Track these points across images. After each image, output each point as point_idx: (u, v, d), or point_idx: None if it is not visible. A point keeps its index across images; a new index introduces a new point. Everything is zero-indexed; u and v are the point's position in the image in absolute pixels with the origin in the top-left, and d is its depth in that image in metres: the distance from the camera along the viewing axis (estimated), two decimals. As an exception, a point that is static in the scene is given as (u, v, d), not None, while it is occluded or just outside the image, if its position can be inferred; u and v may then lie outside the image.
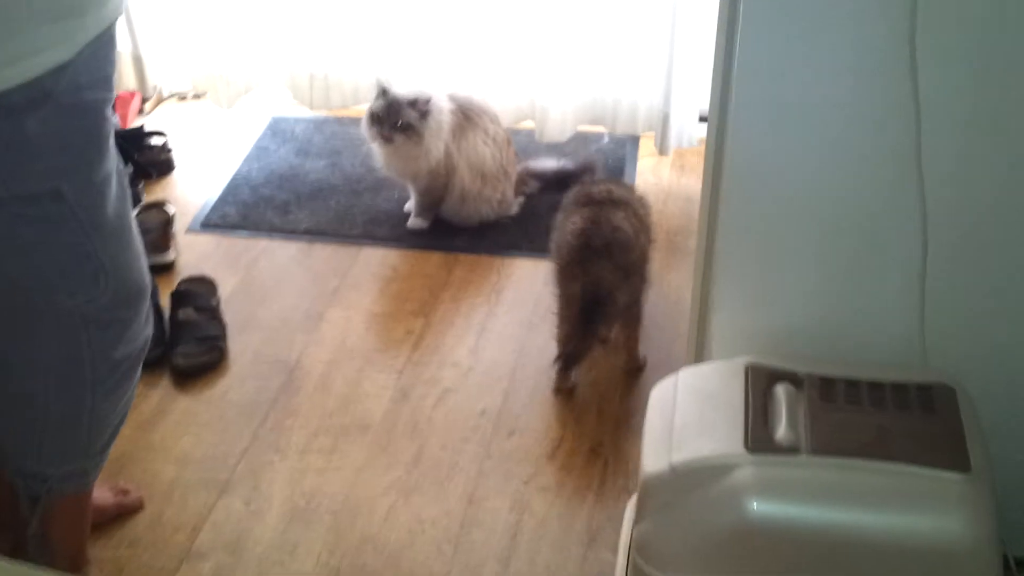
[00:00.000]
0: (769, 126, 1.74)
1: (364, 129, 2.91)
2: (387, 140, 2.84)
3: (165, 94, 3.66)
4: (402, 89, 2.85)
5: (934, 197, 1.70)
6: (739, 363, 1.79)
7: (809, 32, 1.64)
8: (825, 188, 1.75)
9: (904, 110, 1.65)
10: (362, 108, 3.41)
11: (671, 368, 2.41)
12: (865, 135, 1.70)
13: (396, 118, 2.82)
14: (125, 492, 2.18)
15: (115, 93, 1.68)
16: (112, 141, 1.68)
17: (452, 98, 2.96)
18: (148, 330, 1.85)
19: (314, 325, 2.66)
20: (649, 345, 2.58)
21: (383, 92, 2.84)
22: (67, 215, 1.63)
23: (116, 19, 1.62)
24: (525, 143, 3.28)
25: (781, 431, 1.64)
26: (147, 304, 1.83)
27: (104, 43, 1.59)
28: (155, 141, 3.32)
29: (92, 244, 1.67)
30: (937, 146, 1.67)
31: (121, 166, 1.74)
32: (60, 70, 1.52)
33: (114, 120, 2.94)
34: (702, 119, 3.17)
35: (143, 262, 1.81)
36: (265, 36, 3.34)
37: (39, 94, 1.53)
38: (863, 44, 1.64)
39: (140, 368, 1.87)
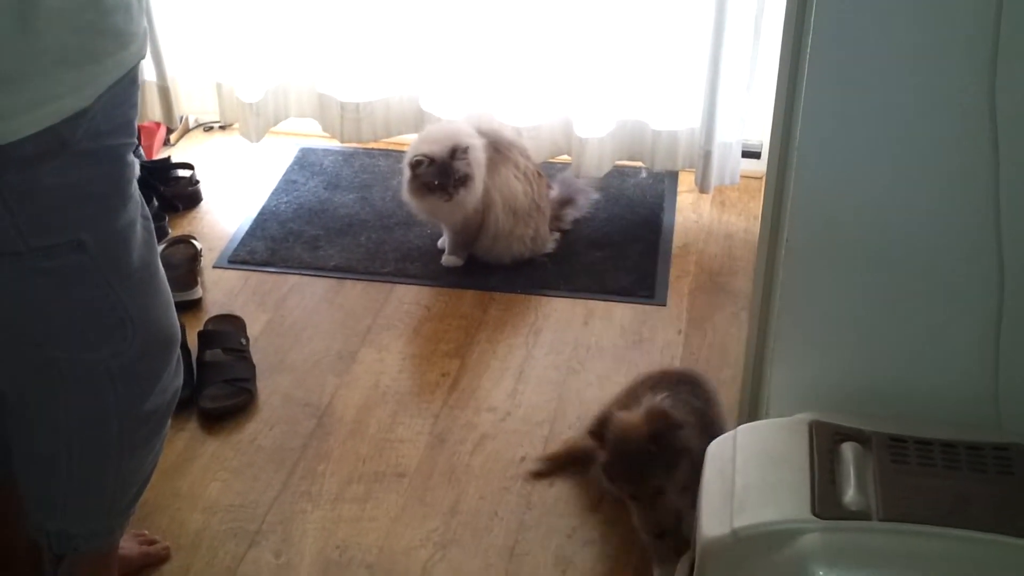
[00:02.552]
0: (836, 168, 1.66)
1: (414, 200, 2.82)
2: (450, 199, 2.77)
3: (191, 125, 3.60)
4: (433, 147, 2.77)
5: (1012, 248, 1.62)
6: (802, 420, 1.70)
7: (882, 68, 1.57)
8: (896, 235, 1.67)
9: (983, 155, 1.57)
10: (394, 140, 3.37)
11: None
12: (940, 180, 1.62)
13: (453, 176, 2.75)
14: (151, 542, 2.09)
15: (137, 137, 1.61)
16: (135, 186, 1.61)
17: (481, 132, 2.88)
18: (179, 379, 1.77)
19: (346, 367, 2.57)
20: (693, 391, 2.49)
21: (426, 161, 2.75)
22: (89, 266, 1.56)
23: (138, 62, 1.55)
24: (559, 174, 3.20)
25: (850, 495, 1.56)
26: (177, 353, 1.75)
27: (125, 87, 1.52)
28: (182, 173, 3.26)
29: (116, 294, 1.60)
30: (1017, 194, 1.59)
31: (146, 211, 1.67)
32: (77, 117, 1.46)
33: (139, 154, 2.89)
34: (745, 154, 3.08)
35: (172, 309, 1.73)
36: (295, 67, 3.27)
37: (55, 144, 1.46)
38: (940, 83, 1.56)
39: (169, 419, 1.79)
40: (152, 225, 1.70)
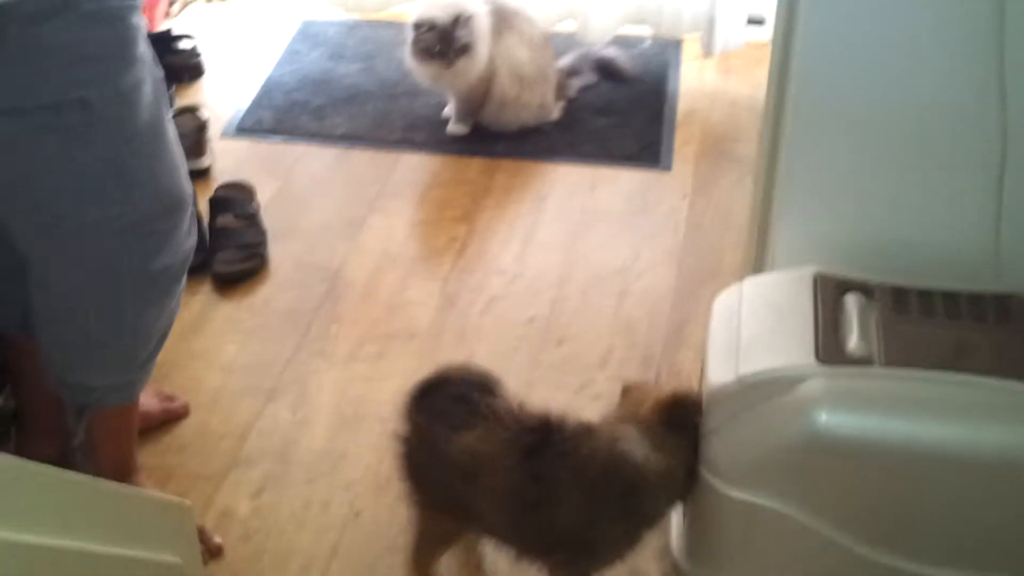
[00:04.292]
0: (842, 24, 1.66)
1: (416, 65, 2.83)
2: (451, 67, 2.76)
3: (193, -5, 3.58)
4: (436, 12, 2.76)
5: (1015, 101, 1.63)
6: (807, 273, 1.73)
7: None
8: (900, 90, 1.68)
9: (989, 13, 1.57)
10: (396, 12, 3.35)
11: (722, 278, 2.39)
12: (946, 36, 1.62)
13: (454, 44, 2.74)
14: (171, 398, 2.15)
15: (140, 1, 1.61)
16: (142, 48, 1.61)
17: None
18: (191, 241, 1.80)
19: (355, 233, 2.61)
20: (698, 254, 2.52)
21: (428, 25, 2.75)
22: (95, 124, 1.58)
23: None
24: (564, 46, 3.19)
25: (853, 342, 1.59)
26: (188, 214, 1.77)
27: None
28: (184, 44, 3.24)
29: (123, 155, 1.62)
30: (1020, 48, 1.59)
31: (158, 73, 1.67)
32: None
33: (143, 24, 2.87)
34: (750, 21, 3.07)
35: (183, 172, 1.74)
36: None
37: (57, 2, 1.47)
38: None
39: (184, 279, 1.82)
40: (164, 87, 1.70)
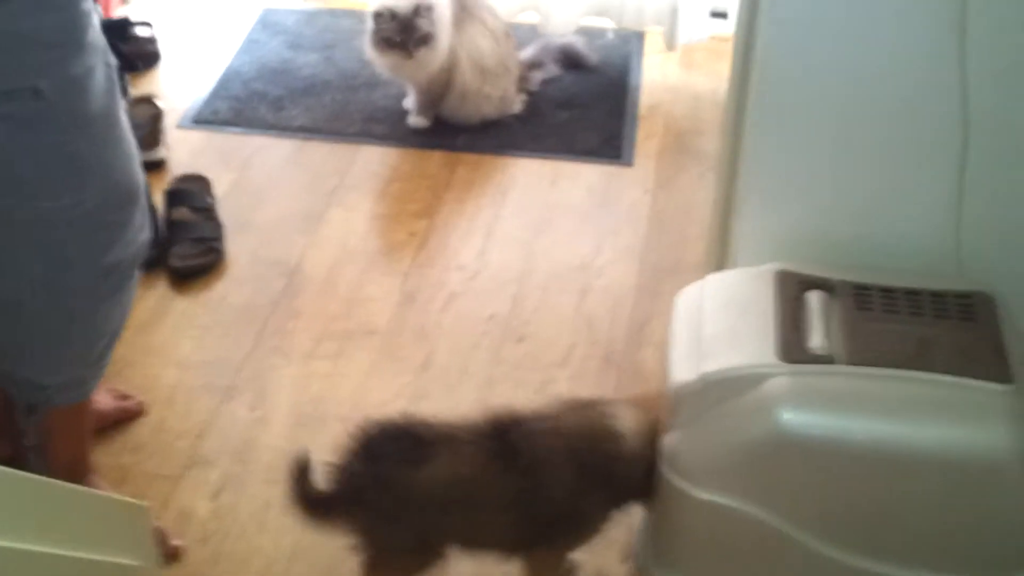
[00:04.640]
0: (805, 19, 1.66)
1: (376, 55, 2.80)
2: (411, 57, 2.74)
3: (149, -17, 3.52)
4: (396, 1, 2.73)
5: (976, 98, 1.64)
6: (768, 270, 1.73)
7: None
8: (862, 86, 1.68)
9: (949, 5, 1.57)
10: (356, 1, 3.31)
11: (684, 274, 2.38)
12: (908, 31, 1.62)
13: (414, 34, 2.71)
14: (126, 397, 2.12)
15: None
16: (93, 34, 1.58)
17: (447, -11, 2.85)
18: (144, 235, 1.76)
19: (313, 226, 2.57)
20: (660, 250, 2.52)
21: (388, 15, 2.72)
22: (47, 113, 1.54)
23: None
24: (527, 38, 3.17)
25: (815, 340, 1.59)
26: (140, 207, 1.74)
27: None
28: (140, 31, 3.19)
29: (75, 143, 1.58)
30: (983, 45, 1.60)
31: (110, 59, 1.64)
32: None
33: (97, 10, 2.82)
34: (713, 14, 3.06)
35: (135, 163, 1.71)
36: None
37: None
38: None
39: (137, 274, 1.79)
40: (115, 74, 1.67)
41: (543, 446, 1.61)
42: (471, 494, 1.61)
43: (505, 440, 1.62)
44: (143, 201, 1.74)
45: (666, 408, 1.65)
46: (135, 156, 1.71)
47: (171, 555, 1.85)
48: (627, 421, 1.64)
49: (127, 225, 1.71)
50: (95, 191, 1.63)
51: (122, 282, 1.75)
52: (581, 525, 1.68)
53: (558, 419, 1.65)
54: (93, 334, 1.77)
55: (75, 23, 1.54)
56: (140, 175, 1.73)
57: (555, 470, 1.61)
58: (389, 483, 1.60)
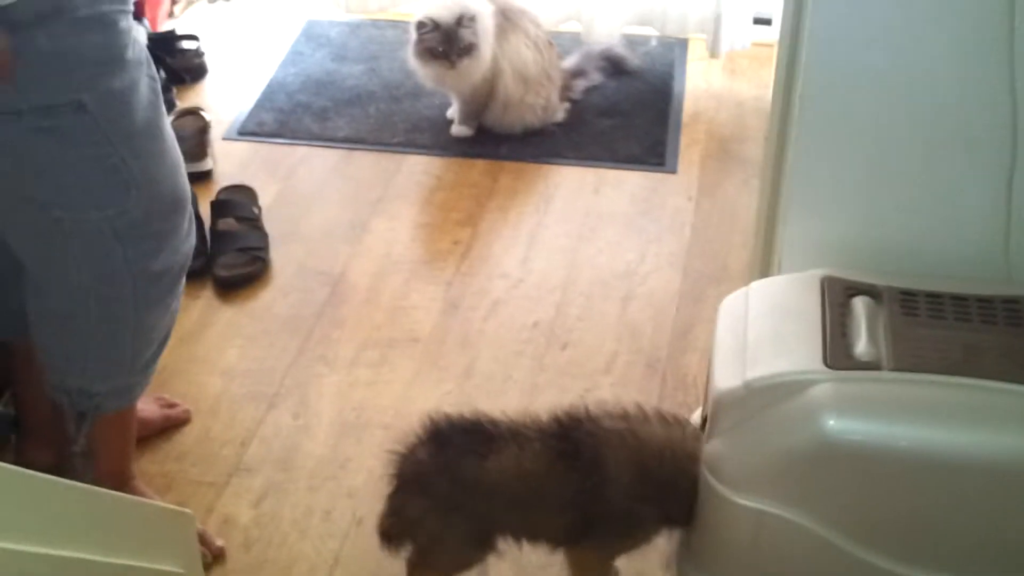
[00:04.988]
0: (850, 23, 1.64)
1: (419, 65, 2.82)
2: (453, 67, 2.75)
3: (195, -3, 3.56)
4: (440, 11, 2.74)
5: (1025, 100, 1.61)
6: (814, 276, 1.71)
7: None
8: (909, 91, 1.66)
9: (999, 12, 1.55)
10: (400, 12, 3.33)
11: (728, 281, 2.37)
12: (955, 36, 1.60)
13: (457, 44, 2.72)
14: (171, 405, 2.13)
15: (138, 6, 1.61)
16: (134, 50, 1.61)
17: (490, -1, 2.86)
18: (190, 242, 1.79)
19: (358, 236, 2.59)
20: (703, 257, 2.50)
21: (431, 25, 2.73)
22: (91, 126, 1.57)
23: None
24: (569, 46, 3.17)
25: (861, 346, 1.57)
26: (187, 216, 1.76)
27: None
28: (187, 45, 3.23)
29: (119, 155, 1.61)
30: (1032, 46, 1.57)
31: (153, 71, 1.67)
32: None
33: (144, 25, 2.86)
34: (756, 21, 3.05)
35: (181, 172, 1.74)
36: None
37: (49, 8, 1.48)
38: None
39: (183, 281, 1.81)
40: (159, 87, 1.69)
41: (608, 447, 1.62)
42: (534, 489, 1.61)
43: (569, 438, 1.62)
44: (189, 210, 1.77)
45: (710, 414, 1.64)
46: (180, 166, 1.74)
47: (215, 555, 1.86)
48: (696, 439, 1.64)
49: (173, 233, 1.73)
50: (140, 201, 1.65)
51: (170, 289, 1.77)
52: (632, 532, 1.68)
53: (632, 424, 1.64)
54: (143, 341, 1.79)
55: (116, 41, 1.58)
56: (186, 184, 1.75)
57: (618, 473, 1.61)
58: (454, 472, 1.61)
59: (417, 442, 1.65)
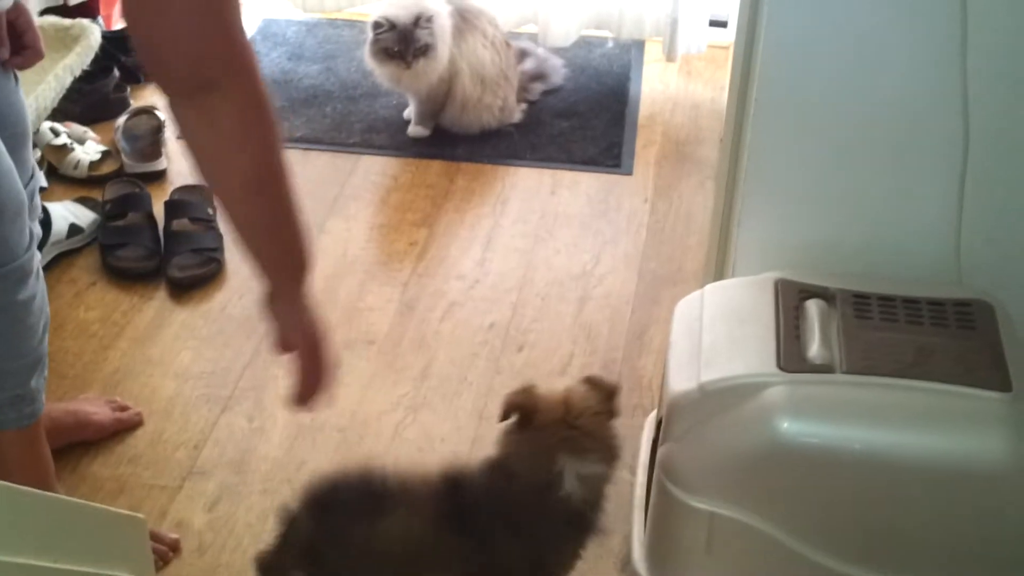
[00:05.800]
0: (805, 27, 1.65)
1: (375, 65, 2.81)
2: (409, 67, 2.75)
3: (150, -6, 3.52)
4: (397, 11, 2.74)
5: (977, 106, 1.63)
6: (768, 279, 1.73)
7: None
8: (862, 94, 1.67)
9: (951, 16, 1.57)
10: (357, 11, 3.31)
11: (683, 283, 2.38)
12: (908, 37, 1.62)
13: (413, 44, 2.72)
14: (123, 408, 2.10)
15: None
16: None
17: (448, 0, 2.84)
18: (24, 239, 1.67)
19: (314, 237, 2.56)
20: (659, 259, 2.51)
21: (387, 25, 2.73)
22: None
23: None
24: (527, 48, 3.16)
25: (814, 349, 1.58)
26: (17, 231, 1.65)
27: None
28: (141, 44, 3.19)
29: None
30: (983, 52, 1.59)
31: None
32: None
33: (99, 23, 2.82)
34: (712, 23, 3.06)
35: (20, 189, 1.64)
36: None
37: None
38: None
39: (26, 288, 1.68)
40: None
41: (491, 506, 1.52)
42: (424, 553, 1.53)
43: (457, 498, 1.53)
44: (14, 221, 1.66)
45: (667, 416, 1.65)
46: (10, 174, 1.65)
47: (171, 547, 1.84)
48: (572, 463, 1.49)
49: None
50: None
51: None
52: (551, 570, 1.59)
53: (506, 463, 1.53)
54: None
55: None
56: (16, 194, 1.66)
57: (506, 531, 1.52)
58: (340, 539, 1.54)
59: (303, 507, 1.56)
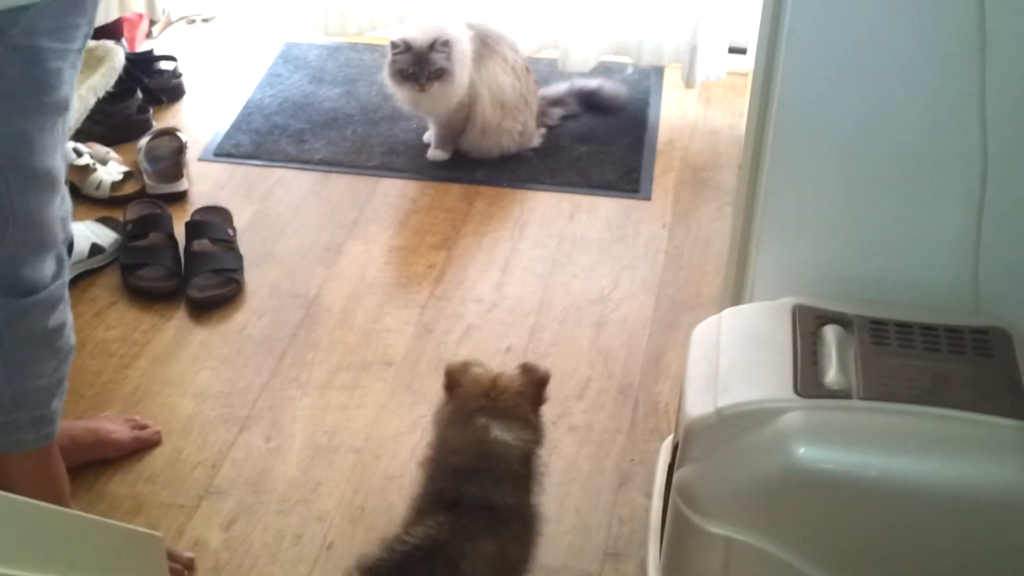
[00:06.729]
0: (823, 54, 1.66)
1: (392, 87, 2.84)
2: (423, 90, 2.76)
3: (173, 17, 3.56)
4: (416, 34, 2.76)
5: (995, 135, 1.63)
6: (786, 304, 1.72)
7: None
8: (880, 122, 1.68)
9: (970, 47, 1.57)
10: (378, 35, 3.34)
11: (700, 308, 2.38)
12: (926, 65, 1.62)
13: (428, 67, 2.74)
14: (142, 427, 2.12)
15: (79, 45, 1.57)
16: (59, 94, 1.56)
17: (469, 25, 2.87)
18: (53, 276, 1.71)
19: (333, 258, 2.59)
20: (677, 284, 2.52)
21: (403, 47, 2.75)
22: None
23: None
24: (546, 73, 3.19)
25: (831, 375, 1.58)
26: (52, 257, 1.69)
27: None
28: (165, 66, 3.22)
29: (9, 192, 1.57)
30: (1002, 81, 1.59)
31: (69, 116, 1.62)
32: (19, 10, 1.45)
33: (122, 45, 2.85)
34: (731, 50, 3.08)
35: (60, 223, 1.67)
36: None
37: None
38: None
39: (55, 315, 1.72)
40: (66, 130, 1.64)
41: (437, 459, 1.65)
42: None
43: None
44: (54, 254, 1.70)
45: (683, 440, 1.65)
46: (64, 219, 1.68)
47: (187, 566, 1.84)
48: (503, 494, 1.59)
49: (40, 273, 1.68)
50: (12, 240, 1.61)
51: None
52: None
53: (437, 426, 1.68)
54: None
55: (43, 80, 1.53)
56: (61, 235, 1.69)
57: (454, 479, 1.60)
58: None
59: None
